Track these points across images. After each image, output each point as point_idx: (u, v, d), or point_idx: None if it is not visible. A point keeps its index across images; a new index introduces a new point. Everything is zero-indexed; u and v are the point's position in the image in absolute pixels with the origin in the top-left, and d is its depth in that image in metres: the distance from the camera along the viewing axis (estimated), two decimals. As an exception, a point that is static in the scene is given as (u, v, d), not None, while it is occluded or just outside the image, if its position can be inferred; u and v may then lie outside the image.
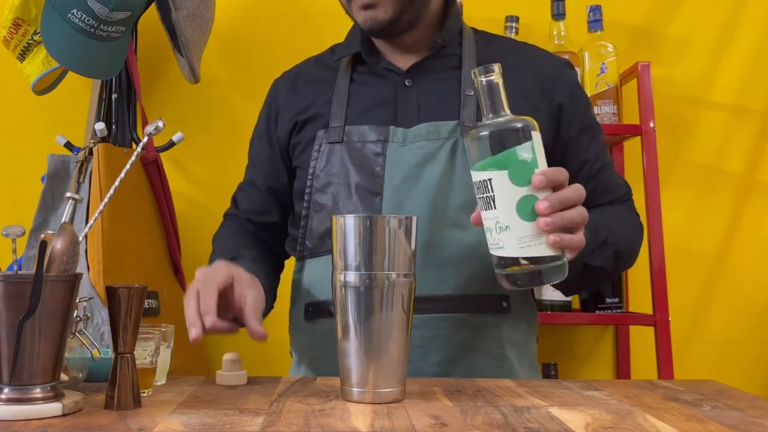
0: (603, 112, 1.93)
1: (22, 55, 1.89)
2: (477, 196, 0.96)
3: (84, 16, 1.72)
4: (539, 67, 1.32)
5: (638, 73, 1.91)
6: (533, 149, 0.94)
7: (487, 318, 1.23)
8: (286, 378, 1.12)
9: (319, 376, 1.15)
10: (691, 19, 2.12)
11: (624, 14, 2.10)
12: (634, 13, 2.12)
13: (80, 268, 1.57)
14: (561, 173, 0.96)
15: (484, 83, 0.96)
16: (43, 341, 0.86)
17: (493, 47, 1.35)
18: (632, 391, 1.04)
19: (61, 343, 0.88)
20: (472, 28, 1.38)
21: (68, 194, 1.01)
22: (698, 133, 2.11)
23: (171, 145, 1.90)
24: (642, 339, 2.01)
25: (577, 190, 0.97)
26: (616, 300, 1.93)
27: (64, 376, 0.96)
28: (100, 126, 1.81)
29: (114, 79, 1.95)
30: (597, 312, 1.93)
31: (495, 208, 0.93)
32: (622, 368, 2.06)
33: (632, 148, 2.04)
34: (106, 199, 0.99)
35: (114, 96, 1.96)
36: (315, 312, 1.27)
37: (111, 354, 0.93)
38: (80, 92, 2.04)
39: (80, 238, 0.93)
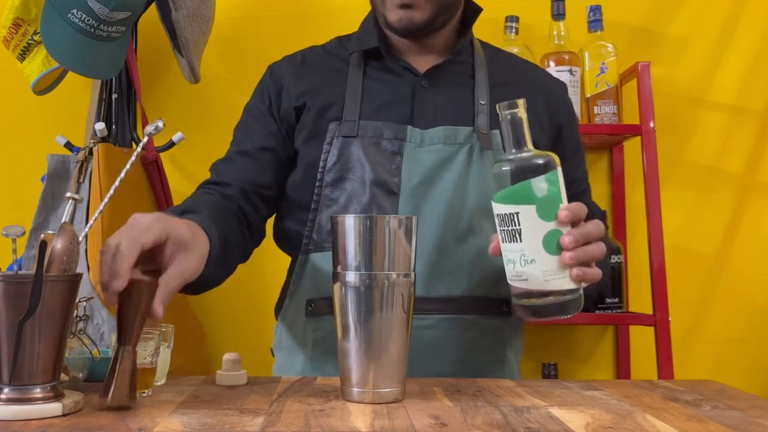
0: (603, 112, 1.93)
1: (22, 55, 1.89)
2: (499, 228, 0.97)
3: (84, 16, 1.72)
4: (545, 85, 1.37)
5: (638, 73, 1.90)
6: (558, 184, 0.96)
7: (492, 320, 1.25)
8: (286, 378, 1.12)
9: (323, 375, 1.15)
10: (691, 19, 2.12)
11: (624, 14, 2.10)
12: (634, 13, 2.12)
13: (80, 268, 1.57)
14: (582, 208, 0.97)
15: (508, 117, 0.98)
16: (43, 341, 0.86)
17: (500, 61, 1.39)
18: (632, 391, 1.04)
19: (61, 343, 0.88)
20: (479, 39, 1.41)
21: (68, 194, 1.01)
22: (698, 133, 2.11)
23: (171, 145, 1.90)
24: (642, 339, 2.01)
25: (598, 226, 0.99)
26: (616, 300, 1.93)
27: (64, 376, 0.96)
28: (100, 126, 1.81)
29: (114, 79, 1.95)
30: (597, 312, 1.93)
31: (521, 241, 0.95)
32: (622, 368, 2.06)
33: (632, 148, 2.04)
34: (106, 199, 0.99)
35: (114, 96, 1.96)
36: (319, 308, 1.26)
37: (111, 353, 0.93)
38: (80, 92, 2.04)
39: (80, 238, 0.93)
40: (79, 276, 0.91)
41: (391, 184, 1.23)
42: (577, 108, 1.93)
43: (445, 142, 1.25)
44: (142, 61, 2.01)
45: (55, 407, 0.85)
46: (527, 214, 0.94)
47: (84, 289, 1.60)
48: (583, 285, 0.98)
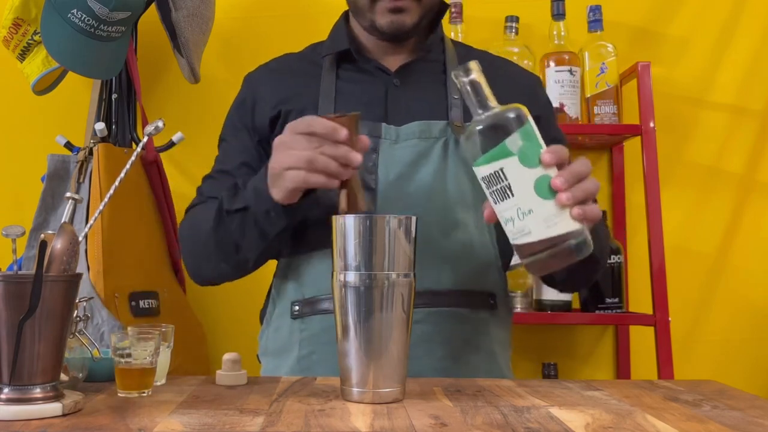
0: (603, 112, 1.93)
1: (22, 55, 1.89)
2: (488, 191, 0.95)
3: (84, 16, 1.72)
4: (519, 79, 1.39)
5: (638, 73, 1.91)
6: (534, 131, 0.95)
7: (480, 314, 1.26)
8: (285, 378, 1.12)
9: (311, 376, 1.15)
10: (691, 19, 2.12)
11: (624, 14, 2.10)
12: (634, 13, 2.12)
13: (80, 268, 1.57)
14: (564, 150, 0.96)
15: (466, 82, 0.97)
16: (43, 341, 0.86)
17: (473, 57, 1.38)
18: (632, 391, 1.04)
19: (61, 343, 0.88)
20: (451, 39, 1.42)
21: (68, 194, 1.01)
22: (698, 133, 2.11)
23: (171, 145, 1.90)
24: (642, 339, 2.01)
25: (585, 163, 0.98)
26: (616, 300, 1.93)
27: (64, 376, 0.96)
28: (100, 126, 1.81)
29: (114, 79, 1.95)
30: (597, 312, 1.93)
31: (513, 195, 0.93)
32: (622, 368, 2.06)
33: (632, 148, 2.04)
34: (106, 199, 0.99)
35: (114, 96, 1.96)
36: (304, 310, 1.26)
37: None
38: (80, 92, 2.04)
39: (80, 238, 0.93)
40: (79, 276, 0.91)
41: (369, 180, 1.23)
42: (577, 108, 1.93)
43: (420, 137, 1.26)
44: (142, 61, 2.01)
45: (55, 407, 0.85)
46: (511, 166, 0.93)
47: (84, 289, 1.60)
48: (587, 225, 0.96)
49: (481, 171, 0.95)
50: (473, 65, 0.97)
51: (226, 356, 1.09)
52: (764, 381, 2.04)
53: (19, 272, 1.02)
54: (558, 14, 1.98)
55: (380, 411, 0.89)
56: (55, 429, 0.80)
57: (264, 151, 1.33)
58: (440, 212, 1.23)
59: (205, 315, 2.00)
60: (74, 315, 0.95)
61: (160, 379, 1.06)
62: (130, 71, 1.93)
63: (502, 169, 0.93)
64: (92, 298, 1.61)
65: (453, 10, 1.99)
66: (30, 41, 1.87)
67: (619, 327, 2.08)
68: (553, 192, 0.93)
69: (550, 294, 1.93)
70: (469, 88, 0.97)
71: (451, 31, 1.98)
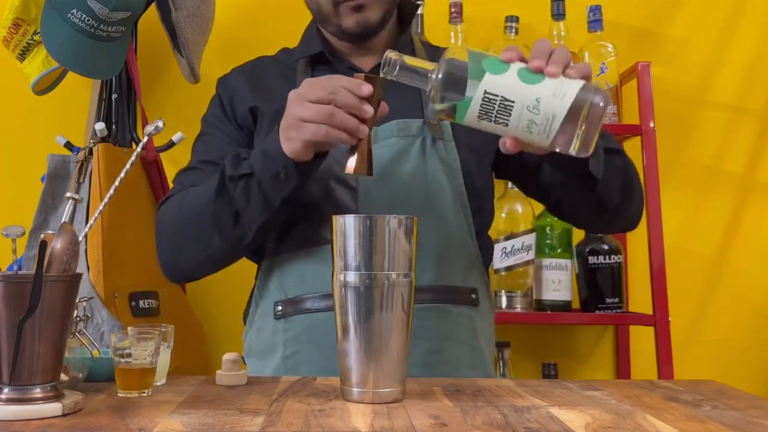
0: (603, 112, 1.93)
1: (22, 55, 1.89)
2: (495, 124, 0.96)
3: (84, 16, 1.72)
4: None
5: (638, 73, 1.91)
6: (475, 50, 0.98)
7: (463, 309, 1.27)
8: (285, 378, 1.12)
9: (298, 375, 1.15)
10: (691, 19, 2.12)
11: (624, 14, 2.10)
12: (634, 13, 2.12)
13: (80, 268, 1.57)
14: (510, 46, 0.99)
15: (398, 72, 1.00)
16: (43, 341, 0.86)
17: (440, 56, 1.39)
18: (632, 391, 1.04)
19: (61, 343, 0.88)
20: (419, 39, 1.43)
21: (68, 194, 1.01)
22: (698, 133, 2.11)
23: (171, 145, 1.90)
24: (642, 339, 2.01)
25: (543, 41, 1.00)
26: (616, 300, 1.93)
27: (64, 376, 0.96)
28: (100, 126, 1.81)
29: (114, 79, 1.95)
30: (597, 312, 1.93)
31: (513, 102, 0.94)
32: (622, 368, 2.06)
33: (632, 148, 2.04)
34: (106, 199, 0.99)
35: (114, 96, 1.96)
36: (287, 310, 1.26)
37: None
38: (80, 92, 2.04)
39: (80, 238, 0.93)
40: (79, 276, 0.91)
41: (350, 180, 1.23)
42: (577, 108, 1.93)
43: (399, 135, 1.27)
44: (142, 61, 2.01)
45: (55, 407, 0.85)
46: (490, 83, 0.94)
47: (84, 289, 1.60)
48: (589, 83, 0.97)
49: (472, 113, 0.96)
50: (390, 55, 1.00)
51: (226, 356, 1.09)
52: (764, 381, 2.04)
53: (19, 272, 1.02)
54: (558, 14, 1.97)
55: (380, 411, 0.89)
56: (55, 429, 0.80)
57: (251, 142, 1.32)
58: (421, 210, 1.21)
59: (205, 315, 2.00)
60: (74, 315, 0.95)
61: (160, 379, 1.06)
62: (130, 71, 1.93)
63: (485, 92, 0.94)
64: (92, 298, 1.61)
65: (453, 10, 1.99)
66: (30, 41, 1.87)
67: (619, 327, 2.08)
68: (539, 73, 0.95)
69: (550, 294, 1.93)
70: (405, 76, 0.99)
71: (451, 31, 1.98)
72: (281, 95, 1.28)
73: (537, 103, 0.94)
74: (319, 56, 1.35)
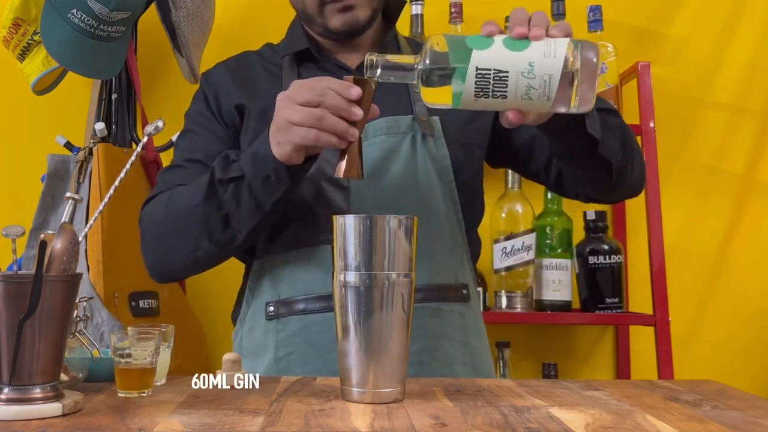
0: (603, 112, 1.93)
1: (22, 55, 1.90)
2: (491, 95, 0.96)
3: (84, 16, 1.72)
4: None
5: (638, 73, 1.91)
6: (453, 35, 0.98)
7: (453, 306, 1.26)
8: (285, 378, 1.12)
9: (290, 376, 1.15)
10: (691, 19, 2.12)
11: (624, 14, 2.10)
12: (634, 13, 2.12)
13: (80, 268, 1.57)
14: (488, 21, 1.00)
15: (382, 72, 1.00)
16: (43, 341, 0.86)
17: None
18: (632, 391, 1.04)
19: (61, 343, 0.88)
20: (403, 36, 1.42)
21: (68, 194, 1.01)
22: (698, 133, 2.11)
23: (171, 145, 1.90)
24: (642, 339, 2.01)
25: (519, 9, 1.01)
26: (616, 300, 1.93)
27: (64, 376, 0.96)
28: (100, 126, 1.81)
29: (114, 79, 1.95)
30: (597, 312, 1.93)
31: (508, 71, 0.95)
32: (622, 368, 2.06)
33: (632, 148, 2.04)
34: (106, 199, 0.99)
35: (114, 96, 1.96)
36: (280, 311, 1.25)
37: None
38: (80, 92, 2.04)
39: (80, 238, 0.93)
40: (79, 276, 0.91)
41: (341, 179, 1.22)
42: (577, 108, 1.93)
43: (389, 133, 1.26)
44: (142, 61, 2.01)
45: (55, 407, 0.85)
46: (479, 59, 0.95)
47: (84, 289, 1.60)
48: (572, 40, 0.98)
49: (468, 94, 0.96)
50: (369, 57, 1.00)
51: (226, 356, 1.09)
52: (765, 381, 2.04)
53: (19, 272, 1.02)
54: (558, 14, 1.98)
55: (380, 411, 0.89)
56: (55, 429, 0.80)
57: (237, 140, 1.30)
58: (412, 208, 1.20)
59: (205, 315, 2.00)
60: (74, 315, 0.95)
61: (160, 379, 1.06)
62: (130, 71, 1.93)
63: (477, 69, 0.95)
64: (92, 298, 1.62)
65: (453, 10, 1.99)
66: (30, 41, 1.87)
67: (619, 327, 2.08)
68: (525, 39, 0.96)
69: (550, 294, 1.93)
70: (389, 75, 1.00)
71: (451, 31, 1.98)
72: (267, 93, 1.27)
73: (531, 67, 0.94)
74: (304, 53, 1.33)
